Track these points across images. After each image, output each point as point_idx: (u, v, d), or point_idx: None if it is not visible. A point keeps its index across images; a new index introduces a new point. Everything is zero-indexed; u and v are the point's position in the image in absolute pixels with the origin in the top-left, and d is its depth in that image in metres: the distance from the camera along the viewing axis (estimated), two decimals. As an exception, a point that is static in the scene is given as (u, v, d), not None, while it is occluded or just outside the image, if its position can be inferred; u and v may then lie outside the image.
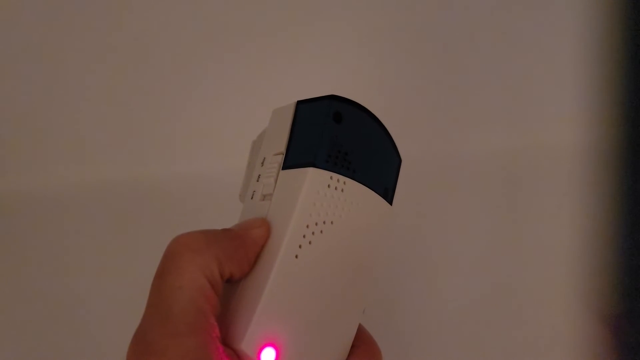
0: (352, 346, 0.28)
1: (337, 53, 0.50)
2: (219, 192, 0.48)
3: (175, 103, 0.50)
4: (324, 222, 0.26)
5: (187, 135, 0.50)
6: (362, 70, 0.50)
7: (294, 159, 0.27)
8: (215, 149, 0.50)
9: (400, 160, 0.31)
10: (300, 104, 0.28)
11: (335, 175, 0.26)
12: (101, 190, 0.50)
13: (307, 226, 0.25)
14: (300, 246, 0.25)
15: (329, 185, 0.26)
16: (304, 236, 0.25)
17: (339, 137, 0.27)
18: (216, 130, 0.50)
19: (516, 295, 0.47)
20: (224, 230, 0.25)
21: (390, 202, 0.30)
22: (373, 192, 0.28)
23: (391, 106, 0.50)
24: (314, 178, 0.26)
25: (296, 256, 0.25)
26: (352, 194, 0.27)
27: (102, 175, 0.50)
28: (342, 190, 0.27)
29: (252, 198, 0.28)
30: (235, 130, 0.50)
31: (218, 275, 0.23)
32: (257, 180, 0.29)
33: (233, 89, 0.50)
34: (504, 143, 0.49)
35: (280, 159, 0.28)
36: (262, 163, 0.29)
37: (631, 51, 0.46)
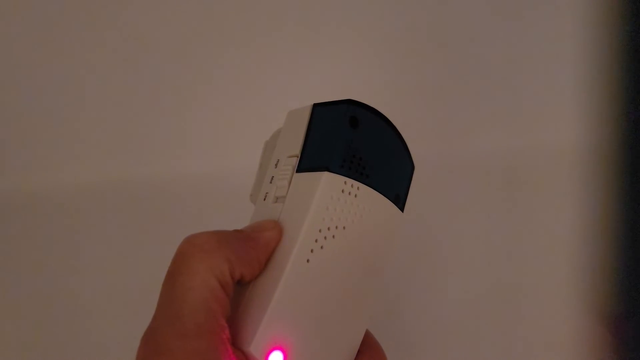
0: (358, 351, 0.28)
1: (342, 54, 0.50)
2: (222, 192, 0.48)
3: (179, 102, 0.50)
4: (337, 227, 0.26)
5: (190, 135, 0.50)
6: (365, 71, 0.50)
7: (308, 162, 0.27)
8: (218, 149, 0.50)
9: (413, 167, 0.31)
10: (316, 107, 0.28)
11: (349, 181, 0.26)
12: (102, 191, 0.49)
13: (320, 230, 0.25)
14: (312, 250, 0.25)
15: (342, 190, 0.26)
16: (316, 240, 0.25)
17: (354, 142, 0.27)
18: (219, 129, 0.50)
19: (516, 295, 0.47)
20: (236, 232, 0.25)
21: (402, 209, 0.30)
22: (385, 199, 0.28)
23: (391, 106, 0.50)
24: (328, 182, 0.26)
25: (308, 260, 0.25)
26: (365, 200, 0.27)
27: (103, 176, 0.50)
28: (355, 196, 0.27)
29: (264, 200, 0.28)
30: (239, 129, 0.49)
31: (229, 276, 0.23)
32: (270, 182, 0.28)
33: (237, 88, 0.50)
34: (504, 143, 0.49)
35: (294, 161, 0.27)
36: (276, 165, 0.29)
37: (631, 51, 0.46)
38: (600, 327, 0.44)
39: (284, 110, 0.31)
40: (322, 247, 0.25)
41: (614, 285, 0.45)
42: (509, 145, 0.49)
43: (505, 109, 0.50)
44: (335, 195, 0.26)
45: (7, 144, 0.50)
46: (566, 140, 0.48)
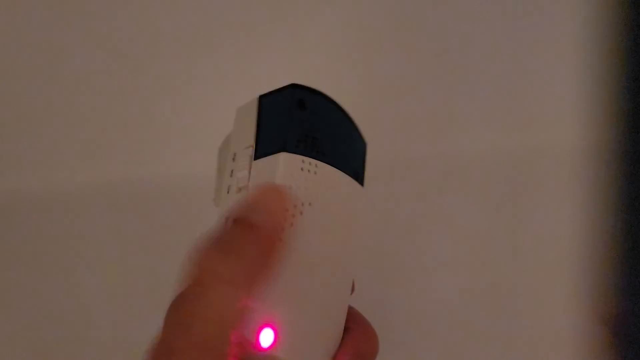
0: (347, 328, 0.28)
1: (334, 50, 0.50)
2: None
3: (178, 102, 0.50)
4: (302, 204, 0.26)
5: (190, 135, 0.50)
6: (363, 69, 0.50)
7: (264, 148, 0.28)
8: (217, 149, 0.50)
9: (365, 144, 0.32)
10: (262, 97, 0.30)
11: (307, 159, 0.27)
12: (102, 191, 0.49)
13: (286, 209, 0.26)
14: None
15: (302, 169, 0.27)
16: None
17: (306, 124, 0.28)
18: (219, 129, 0.50)
19: (515, 294, 0.47)
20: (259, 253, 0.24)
21: (362, 184, 0.30)
22: (344, 174, 0.29)
23: (389, 105, 0.50)
24: (286, 162, 0.26)
25: (279, 239, 0.25)
26: (325, 176, 0.28)
27: (103, 175, 0.50)
28: (315, 173, 0.27)
29: (227, 193, 0.29)
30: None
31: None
32: (231, 176, 0.29)
33: (237, 88, 0.50)
34: (503, 143, 0.49)
35: (251, 151, 0.28)
36: (233, 159, 0.29)
37: (631, 51, 0.46)
38: (600, 327, 0.44)
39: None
40: (291, 225, 0.26)
41: (614, 285, 0.45)
42: (509, 145, 0.49)
43: (505, 109, 0.50)
44: (296, 174, 0.27)
45: (7, 144, 0.50)
46: (566, 140, 0.48)
